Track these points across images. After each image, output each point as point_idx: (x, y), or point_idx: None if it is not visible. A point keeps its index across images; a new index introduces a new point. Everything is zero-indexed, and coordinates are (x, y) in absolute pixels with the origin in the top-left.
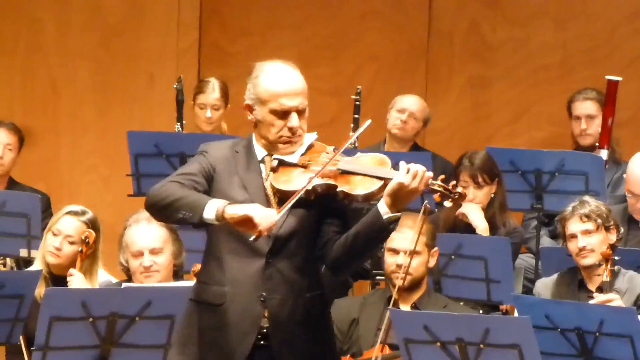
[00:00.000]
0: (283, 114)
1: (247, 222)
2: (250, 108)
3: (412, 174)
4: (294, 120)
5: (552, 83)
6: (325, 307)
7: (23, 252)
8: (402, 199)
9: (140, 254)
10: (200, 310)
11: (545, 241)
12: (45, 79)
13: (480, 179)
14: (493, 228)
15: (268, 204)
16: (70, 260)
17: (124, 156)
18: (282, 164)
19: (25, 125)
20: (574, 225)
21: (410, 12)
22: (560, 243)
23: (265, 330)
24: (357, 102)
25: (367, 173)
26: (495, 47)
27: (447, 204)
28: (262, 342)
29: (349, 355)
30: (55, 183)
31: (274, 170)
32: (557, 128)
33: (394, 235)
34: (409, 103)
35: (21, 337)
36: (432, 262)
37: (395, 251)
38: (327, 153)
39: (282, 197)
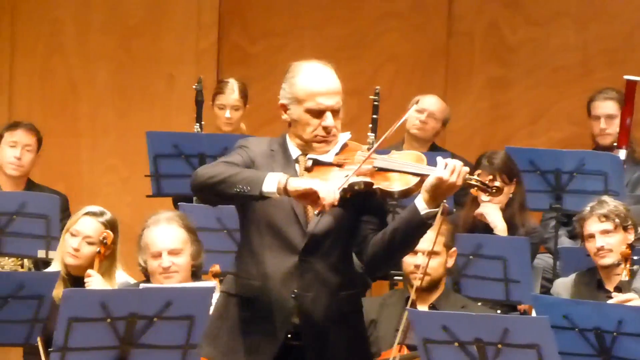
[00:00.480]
0: (319, 113)
1: (311, 195)
2: (285, 107)
3: (450, 168)
4: (329, 119)
5: (572, 83)
6: (360, 307)
7: (42, 253)
8: (440, 194)
9: (159, 255)
10: (233, 303)
11: (564, 241)
12: (64, 80)
13: (499, 179)
14: (512, 228)
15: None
16: (88, 261)
17: (143, 157)
18: (316, 163)
19: (45, 126)
20: (593, 225)
21: (430, 13)
22: (579, 243)
23: (297, 329)
24: (376, 103)
25: (404, 170)
26: (515, 47)
27: (485, 198)
28: (294, 341)
29: None
30: (75, 184)
31: (308, 170)
32: (576, 128)
33: None
34: (429, 103)
35: (39, 338)
36: (451, 263)
37: (414, 251)
38: (362, 152)
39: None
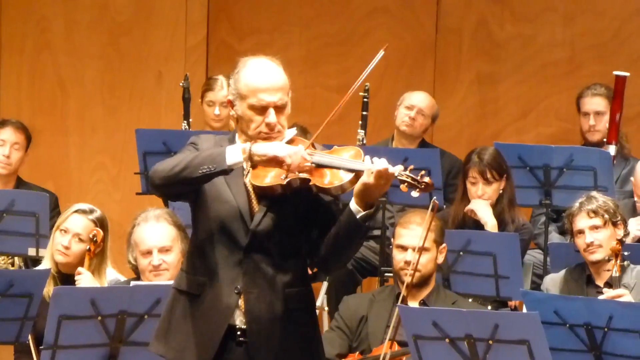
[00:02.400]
0: (261, 110)
1: (276, 160)
2: (231, 103)
3: (375, 174)
4: (271, 116)
5: (560, 79)
6: (308, 304)
7: (32, 251)
8: (371, 197)
9: (149, 253)
10: (181, 299)
11: (554, 237)
12: (53, 78)
13: (489, 175)
14: (502, 224)
15: (249, 201)
16: (78, 259)
17: (132, 154)
18: None
19: (34, 124)
20: (582, 221)
21: (418, 9)
22: (568, 239)
23: (243, 326)
24: (366, 99)
25: (339, 166)
26: (503, 43)
27: (415, 194)
28: (241, 338)
29: (357, 353)
30: (64, 182)
31: (254, 167)
32: (565, 124)
33: (402, 231)
34: (418, 100)
35: (30, 336)
36: (441, 259)
37: (404, 248)
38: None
39: (260, 193)
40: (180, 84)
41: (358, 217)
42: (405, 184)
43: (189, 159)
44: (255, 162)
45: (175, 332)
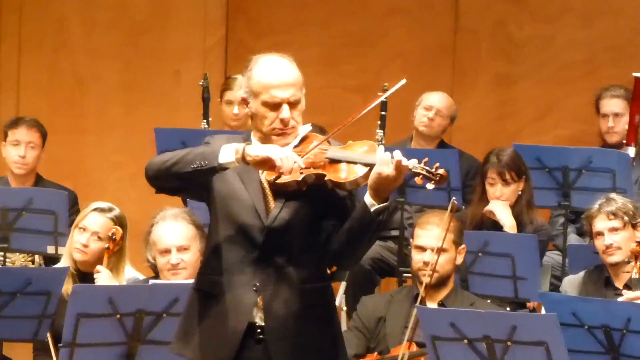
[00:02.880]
0: (274, 106)
1: (269, 162)
2: (245, 101)
3: (388, 162)
4: (285, 111)
5: (579, 80)
6: (326, 300)
7: (50, 249)
8: (384, 189)
9: (167, 252)
10: (200, 299)
11: (572, 238)
12: (71, 77)
13: (507, 176)
14: (520, 225)
15: (264, 198)
16: (97, 257)
17: (150, 153)
18: None
19: (52, 123)
20: (601, 223)
21: (437, 10)
22: (587, 240)
23: (262, 323)
24: (384, 100)
25: (353, 160)
26: (522, 44)
27: (430, 186)
28: (260, 335)
29: (375, 353)
30: (82, 180)
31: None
32: (583, 125)
33: (421, 232)
34: (436, 100)
35: (48, 334)
36: (459, 260)
37: (422, 248)
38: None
39: (276, 189)
40: (200, 83)
41: (372, 210)
42: (420, 176)
43: (183, 154)
44: (247, 163)
45: (195, 332)
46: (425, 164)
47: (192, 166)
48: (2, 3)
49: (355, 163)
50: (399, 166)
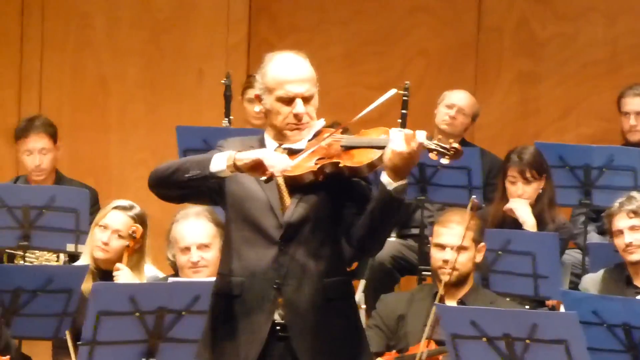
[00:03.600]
0: (289, 101)
1: (259, 166)
2: (259, 98)
3: (402, 138)
4: (299, 106)
5: (601, 79)
6: (348, 294)
7: (71, 247)
8: (401, 167)
9: (188, 250)
10: (221, 302)
11: (593, 237)
12: (94, 75)
13: (528, 175)
14: (541, 223)
15: (280, 194)
16: (117, 255)
17: (172, 151)
18: (290, 152)
19: (75, 121)
20: (621, 222)
21: (460, 8)
22: (608, 239)
23: (282, 320)
24: (405, 98)
25: (367, 144)
26: (545, 42)
27: (444, 161)
28: (282, 332)
29: (394, 351)
30: (104, 178)
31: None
32: (606, 124)
33: (441, 230)
34: (458, 98)
35: (67, 332)
36: (479, 258)
37: (442, 247)
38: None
39: (292, 184)
40: (222, 82)
41: (390, 189)
42: (435, 152)
43: (182, 162)
44: (238, 169)
45: (219, 336)
46: (439, 140)
47: (187, 175)
48: (24, 1)
49: (369, 147)
50: (409, 139)
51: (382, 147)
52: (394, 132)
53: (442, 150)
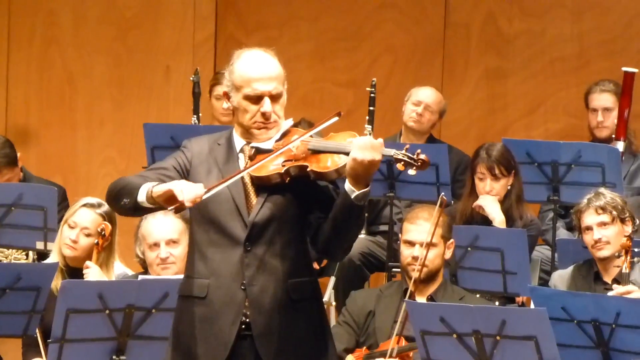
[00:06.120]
0: (256, 99)
1: (171, 196)
2: (227, 95)
3: (361, 146)
4: (266, 105)
5: (569, 75)
6: (314, 295)
7: (39, 245)
8: (362, 174)
9: (156, 246)
10: (187, 304)
11: (562, 233)
12: (61, 72)
13: (497, 171)
14: (510, 220)
15: (246, 193)
16: (86, 253)
17: (140, 149)
18: (258, 151)
19: (42, 118)
20: (590, 218)
21: (427, 4)
22: (576, 235)
23: (247, 319)
24: (373, 95)
25: (334, 149)
26: (512, 39)
27: (412, 172)
28: (246, 331)
29: (364, 348)
30: (72, 176)
31: (251, 158)
32: (573, 120)
33: (410, 227)
34: (425, 95)
35: (37, 330)
36: (449, 254)
37: (411, 243)
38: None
39: (258, 184)
40: (191, 79)
41: (352, 196)
42: (402, 162)
43: (123, 185)
44: (155, 202)
45: (186, 339)
46: (406, 150)
47: (121, 203)
48: None
49: (337, 152)
50: (371, 147)
51: (348, 153)
52: (357, 140)
53: (410, 161)
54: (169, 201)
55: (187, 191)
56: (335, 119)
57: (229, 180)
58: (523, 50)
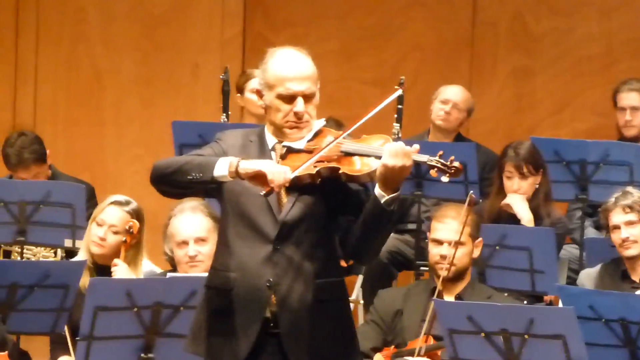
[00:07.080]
0: (289, 99)
1: (261, 177)
2: (260, 93)
3: (392, 153)
4: (299, 105)
5: (596, 74)
6: (340, 295)
7: (68, 243)
8: (392, 180)
9: (185, 244)
10: (212, 296)
11: (590, 232)
12: (89, 70)
13: (525, 170)
14: (537, 219)
15: (278, 193)
16: (114, 251)
17: (168, 146)
18: (290, 151)
19: (70, 116)
20: (617, 217)
21: (455, 3)
22: (604, 234)
23: (275, 317)
24: (401, 93)
25: (367, 153)
26: (540, 37)
27: (445, 179)
28: (273, 330)
29: (392, 346)
30: (100, 173)
31: (282, 157)
32: (601, 119)
33: (438, 225)
34: (453, 94)
35: (66, 327)
36: (477, 253)
37: (439, 242)
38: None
39: (290, 184)
40: (220, 77)
41: (382, 201)
42: (435, 169)
43: (183, 162)
44: (240, 176)
45: (209, 330)
46: (440, 157)
47: (188, 177)
48: None
49: (368, 156)
50: (400, 152)
51: (380, 157)
52: (388, 145)
53: (443, 168)
54: (256, 179)
55: (278, 174)
56: (399, 92)
57: (312, 159)
58: (551, 48)
